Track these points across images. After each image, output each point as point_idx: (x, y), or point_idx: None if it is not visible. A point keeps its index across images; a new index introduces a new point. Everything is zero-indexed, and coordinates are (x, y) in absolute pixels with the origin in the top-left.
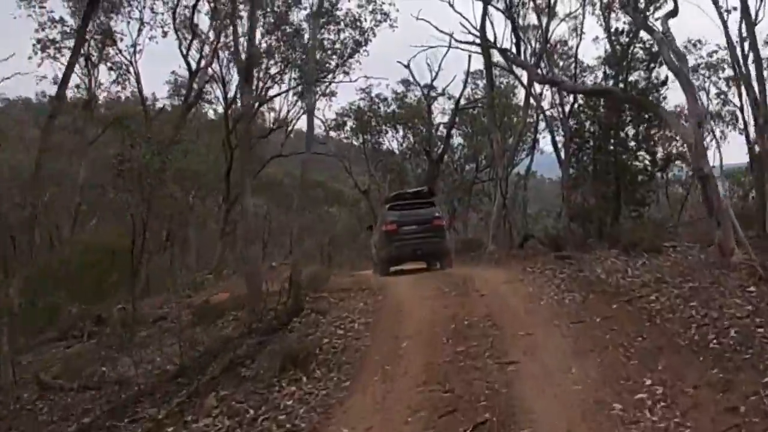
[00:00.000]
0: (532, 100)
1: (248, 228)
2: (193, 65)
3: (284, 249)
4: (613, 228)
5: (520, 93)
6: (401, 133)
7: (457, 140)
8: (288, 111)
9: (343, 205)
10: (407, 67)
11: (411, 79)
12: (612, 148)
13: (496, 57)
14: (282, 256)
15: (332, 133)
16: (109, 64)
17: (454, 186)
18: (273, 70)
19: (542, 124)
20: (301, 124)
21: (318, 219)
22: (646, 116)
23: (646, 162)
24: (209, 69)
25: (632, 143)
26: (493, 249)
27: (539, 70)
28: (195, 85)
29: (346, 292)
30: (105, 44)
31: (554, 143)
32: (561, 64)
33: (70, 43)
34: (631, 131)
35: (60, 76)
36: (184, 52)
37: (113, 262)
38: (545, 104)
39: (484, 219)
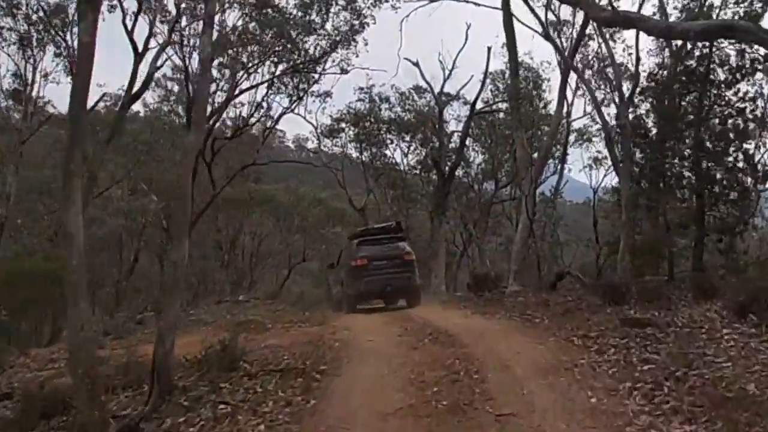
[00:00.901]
0: (572, 82)
1: (74, 270)
2: (140, 45)
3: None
4: (696, 268)
5: (552, 91)
6: (408, 142)
7: (473, 153)
8: (256, 108)
9: (346, 226)
10: (416, 64)
11: (420, 78)
12: (689, 150)
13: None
14: (278, 282)
15: (327, 141)
16: (56, 50)
17: (468, 205)
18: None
19: (572, 137)
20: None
21: (321, 239)
22: (741, 105)
23: (739, 169)
24: (164, 52)
25: (721, 143)
26: (515, 289)
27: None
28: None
29: (269, 376)
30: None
31: (608, 141)
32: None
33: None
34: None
35: None
36: (129, 26)
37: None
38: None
39: (504, 244)
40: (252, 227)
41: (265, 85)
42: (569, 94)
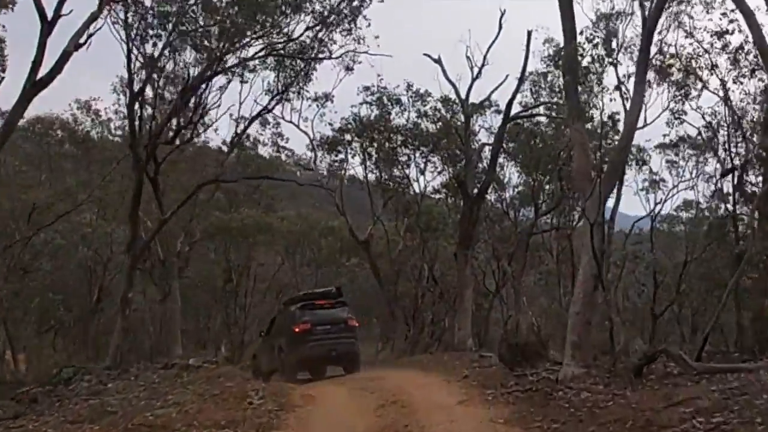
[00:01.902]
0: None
1: None
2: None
3: None
4: None
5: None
6: (425, 156)
7: (507, 172)
8: (199, 101)
9: (363, 259)
10: (438, 61)
11: (443, 76)
12: None
13: None
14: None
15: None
16: None
17: (502, 237)
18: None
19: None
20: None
21: (335, 273)
22: None
23: None
24: (95, 23)
25: None
26: (575, 373)
27: None
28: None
29: None
30: None
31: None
32: None
33: None
34: None
35: None
36: None
37: None
38: None
39: (543, 277)
40: (263, 259)
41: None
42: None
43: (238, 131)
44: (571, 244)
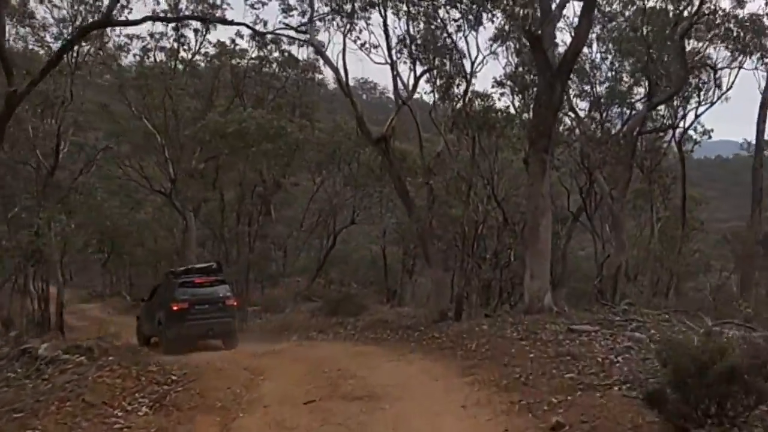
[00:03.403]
0: None
1: None
2: None
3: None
4: None
5: None
6: (474, 12)
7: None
8: None
9: (415, 177)
10: None
11: None
12: None
13: None
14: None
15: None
16: None
17: (595, 139)
18: None
19: None
20: None
21: (378, 196)
22: None
23: None
24: None
25: None
26: None
27: None
28: None
29: None
30: None
31: None
32: None
33: None
34: None
35: None
36: None
37: None
38: None
39: (631, 200)
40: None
41: None
42: None
43: None
44: (681, 152)
